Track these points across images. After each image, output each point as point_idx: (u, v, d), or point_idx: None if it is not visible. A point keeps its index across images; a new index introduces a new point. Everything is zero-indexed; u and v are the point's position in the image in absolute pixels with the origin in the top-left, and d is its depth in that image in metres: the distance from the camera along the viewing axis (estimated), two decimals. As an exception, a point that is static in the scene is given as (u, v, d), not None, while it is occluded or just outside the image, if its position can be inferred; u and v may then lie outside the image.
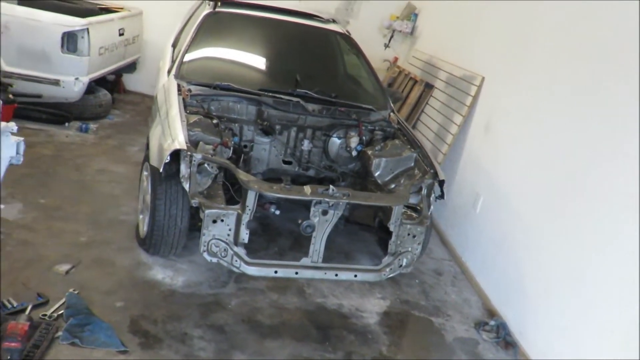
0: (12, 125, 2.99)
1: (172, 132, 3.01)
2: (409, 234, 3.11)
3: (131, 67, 6.29)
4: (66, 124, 5.08)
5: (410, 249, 3.14)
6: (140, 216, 3.40)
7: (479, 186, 4.03)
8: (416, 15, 6.45)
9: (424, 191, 3.28)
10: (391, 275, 3.13)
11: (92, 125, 5.16)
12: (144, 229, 3.27)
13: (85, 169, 4.30)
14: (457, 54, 5.02)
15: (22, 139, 3.10)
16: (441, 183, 3.30)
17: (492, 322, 3.37)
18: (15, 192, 3.65)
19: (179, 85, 3.54)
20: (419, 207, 3.28)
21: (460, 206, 4.28)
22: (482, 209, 3.94)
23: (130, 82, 6.76)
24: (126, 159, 4.69)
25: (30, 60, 4.73)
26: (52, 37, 4.68)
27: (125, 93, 6.67)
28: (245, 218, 2.78)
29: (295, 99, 3.68)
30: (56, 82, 4.80)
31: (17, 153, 3.10)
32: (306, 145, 3.74)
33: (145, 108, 6.12)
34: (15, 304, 2.60)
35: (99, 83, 5.59)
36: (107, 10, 5.57)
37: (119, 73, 6.31)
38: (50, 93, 4.86)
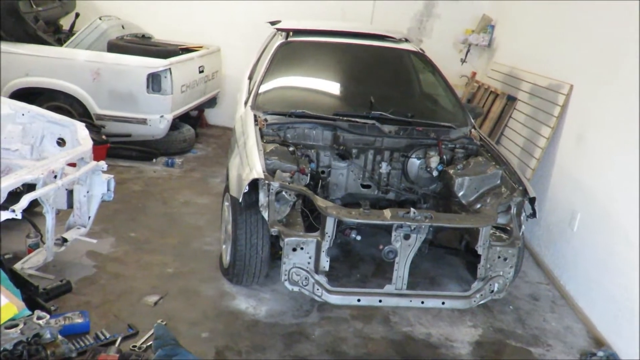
0: (103, 164, 3.17)
1: (249, 161, 3.04)
2: (499, 257, 2.91)
3: (212, 102, 6.52)
4: (154, 160, 5.33)
5: (501, 273, 2.93)
6: (223, 246, 3.44)
7: (574, 202, 3.73)
8: (492, 26, 6.22)
9: (514, 210, 3.07)
10: (482, 302, 2.93)
11: (178, 160, 5.37)
12: (226, 258, 3.30)
13: (172, 202, 4.46)
14: (540, 62, 4.75)
15: (111, 176, 3.28)
16: (532, 200, 3.07)
17: (600, 353, 3.05)
18: (109, 227, 3.84)
19: (255, 116, 3.59)
20: (508, 228, 3.06)
21: (554, 224, 3.97)
22: (580, 226, 3.63)
23: (212, 116, 7.02)
24: (209, 190, 4.82)
25: (120, 102, 5.03)
26: (138, 79, 4.95)
27: (207, 127, 6.92)
28: (325, 245, 2.72)
29: (370, 122, 3.61)
30: (143, 121, 5.06)
31: (108, 190, 3.28)
32: (384, 167, 3.64)
33: (226, 141, 6.29)
34: (107, 336, 2.68)
35: (182, 119, 5.85)
36: (187, 50, 5.83)
37: (201, 108, 6.57)
38: (139, 131, 5.13)
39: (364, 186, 3.70)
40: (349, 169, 3.64)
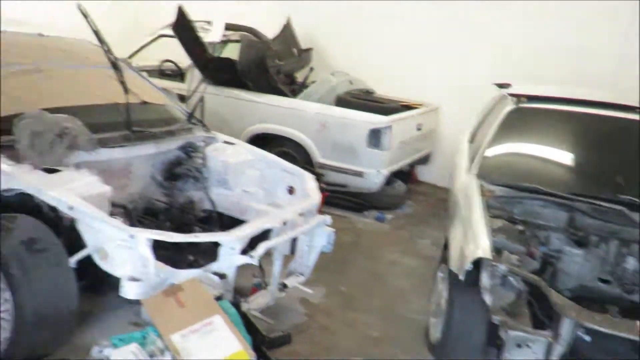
0: (327, 218, 3.27)
1: (474, 237, 2.85)
2: None
3: (424, 159, 6.48)
4: (365, 212, 5.43)
5: None
6: (432, 319, 3.27)
7: None
8: None
9: None
10: None
11: (388, 215, 5.39)
12: (435, 334, 3.12)
13: (379, 259, 4.45)
14: None
15: (333, 230, 3.36)
16: None
17: None
18: (320, 276, 3.94)
19: (480, 185, 3.40)
20: None
21: None
22: None
23: (423, 172, 6.96)
24: (417, 251, 4.71)
25: (341, 154, 5.26)
26: (361, 134, 5.13)
27: (417, 183, 6.88)
28: (558, 350, 2.38)
29: (617, 207, 3.15)
30: (360, 174, 5.21)
31: (328, 242, 3.38)
32: (631, 263, 3.12)
33: (436, 200, 6.17)
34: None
35: (394, 174, 5.89)
36: (408, 107, 5.91)
37: (412, 164, 6.56)
38: (354, 183, 5.29)
39: (601, 280, 3.21)
40: (585, 257, 3.20)
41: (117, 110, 3.25)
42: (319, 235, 3.30)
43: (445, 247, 3.29)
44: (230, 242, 2.49)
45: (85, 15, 2.88)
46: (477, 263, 2.68)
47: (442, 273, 3.17)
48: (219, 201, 3.64)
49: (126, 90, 3.01)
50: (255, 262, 2.51)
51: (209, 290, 2.38)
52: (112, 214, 2.69)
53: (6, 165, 2.46)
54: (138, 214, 3.29)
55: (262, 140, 5.46)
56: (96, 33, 2.96)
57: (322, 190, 4.87)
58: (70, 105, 3.02)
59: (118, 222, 2.31)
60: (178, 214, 3.49)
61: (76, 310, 2.39)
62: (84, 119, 2.86)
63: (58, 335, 2.37)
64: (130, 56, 5.99)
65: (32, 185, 2.38)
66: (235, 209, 3.62)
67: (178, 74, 6.22)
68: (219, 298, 2.43)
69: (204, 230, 3.39)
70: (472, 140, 4.48)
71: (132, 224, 2.93)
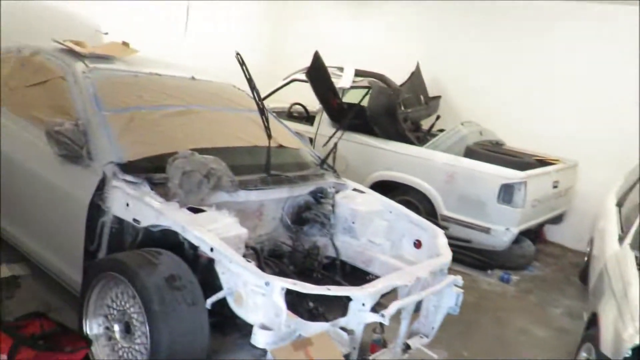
0: (458, 279, 3.08)
1: (633, 318, 2.51)
2: None
3: (557, 218, 6.00)
4: (488, 271, 5.11)
5: None
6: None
7: None
8: None
9: None
10: None
11: (514, 276, 5.02)
12: None
13: (506, 325, 4.12)
14: None
15: (462, 291, 3.16)
16: None
17: None
18: (442, 338, 3.70)
19: (636, 258, 3.03)
20: None
21: None
22: None
23: (552, 232, 6.46)
24: (548, 321, 4.30)
25: (467, 207, 5.02)
26: (491, 188, 4.87)
27: (545, 243, 6.39)
28: None
29: None
30: (487, 230, 4.92)
31: (456, 304, 3.17)
32: None
33: (567, 264, 5.67)
34: None
35: (522, 232, 5.50)
36: (542, 162, 5.54)
37: (542, 223, 6.11)
38: (479, 239, 5.00)
39: None
40: None
41: (257, 153, 3.36)
42: (447, 295, 3.10)
43: (590, 323, 2.95)
44: (361, 298, 2.40)
45: (241, 64, 3.03)
46: (638, 349, 2.35)
47: (588, 354, 2.83)
48: (343, 249, 3.58)
49: (269, 135, 3.09)
50: (386, 321, 2.39)
51: (338, 346, 2.30)
52: (244, 256, 2.74)
53: (157, 202, 2.60)
54: (264, 256, 3.33)
55: (385, 188, 5.38)
56: (249, 81, 3.10)
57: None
58: (214, 146, 3.15)
59: (255, 268, 2.32)
60: (302, 259, 3.48)
61: (207, 350, 2.42)
62: (226, 160, 2.97)
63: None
64: (264, 98, 6.27)
65: (179, 223, 2.48)
66: (359, 259, 3.55)
67: (305, 117, 6.40)
68: (346, 356, 2.33)
69: (327, 277, 3.34)
70: (620, 203, 4.07)
71: (261, 267, 2.97)
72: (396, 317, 2.62)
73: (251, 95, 3.20)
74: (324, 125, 5.90)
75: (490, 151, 5.49)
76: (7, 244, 3.55)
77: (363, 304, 2.42)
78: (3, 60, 3.75)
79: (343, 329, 2.46)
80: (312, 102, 6.48)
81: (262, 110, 3.10)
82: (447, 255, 3.15)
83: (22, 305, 3.13)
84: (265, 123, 3.09)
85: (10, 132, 3.35)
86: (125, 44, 3.80)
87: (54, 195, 2.97)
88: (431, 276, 2.94)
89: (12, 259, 3.58)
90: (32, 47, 3.66)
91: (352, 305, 2.42)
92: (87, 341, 2.56)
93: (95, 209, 2.76)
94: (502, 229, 4.86)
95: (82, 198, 2.76)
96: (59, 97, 3.20)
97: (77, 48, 3.45)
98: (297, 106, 6.57)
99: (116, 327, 2.56)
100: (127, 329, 2.50)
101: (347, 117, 3.96)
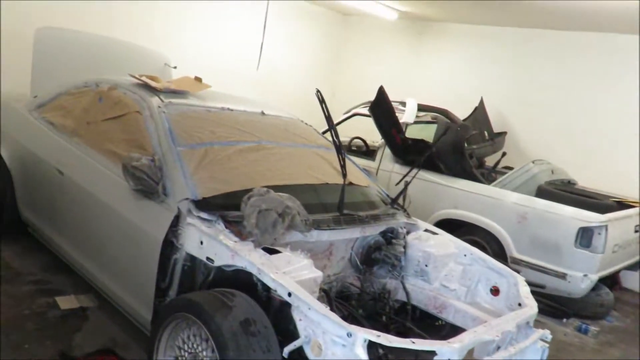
0: (547, 334, 2.84)
1: None
2: None
3: (635, 264, 5.59)
4: (564, 320, 4.77)
5: None
6: None
7: None
8: None
9: None
10: None
11: (592, 327, 4.66)
12: None
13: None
14: None
15: (547, 345, 2.92)
16: None
17: None
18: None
19: None
20: None
21: None
22: None
23: (630, 279, 6.03)
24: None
25: (541, 251, 4.74)
26: (568, 231, 4.58)
27: (621, 291, 5.96)
28: None
29: None
30: (562, 276, 4.61)
31: (541, 359, 2.92)
32: None
33: (649, 314, 5.25)
34: None
35: (599, 279, 5.14)
36: (622, 204, 5.20)
37: (620, 270, 5.71)
38: (554, 285, 4.70)
39: None
40: None
41: (328, 190, 3.26)
42: (531, 351, 2.86)
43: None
44: (448, 353, 2.22)
45: (321, 101, 2.97)
46: None
47: None
48: (415, 293, 3.41)
49: (345, 175, 2.99)
50: (475, 381, 2.20)
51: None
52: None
53: (232, 242, 2.52)
54: (333, 298, 3.19)
55: (449, 226, 5.17)
56: (328, 119, 3.03)
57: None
58: (286, 183, 3.08)
59: (336, 317, 2.19)
60: (371, 302, 3.32)
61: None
62: (298, 198, 2.88)
63: None
64: (324, 132, 6.23)
65: (255, 264, 2.39)
66: (431, 304, 3.36)
67: (365, 151, 6.29)
68: (432, 417, 2.15)
69: (397, 322, 3.17)
70: None
71: (332, 310, 2.83)
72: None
73: (318, 131, 3.12)
74: (385, 161, 5.77)
75: (564, 191, 5.20)
76: (76, 274, 3.57)
77: (449, 360, 2.23)
78: (81, 93, 3.84)
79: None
80: (370, 136, 6.41)
81: (339, 149, 3.00)
82: (532, 306, 2.93)
83: (89, 338, 3.11)
84: (342, 162, 2.99)
85: (87, 165, 3.39)
86: (197, 78, 3.82)
87: (127, 230, 2.95)
88: (517, 330, 2.73)
89: (80, 290, 3.59)
90: (109, 81, 3.74)
91: (437, 360, 2.24)
92: (157, 383, 2.47)
93: (168, 245, 2.72)
94: (579, 275, 4.54)
95: (156, 234, 2.72)
96: (135, 132, 3.22)
97: (152, 83, 3.49)
98: (357, 140, 6.49)
99: (188, 371, 2.47)
100: (199, 373, 2.41)
101: (423, 155, 3.85)
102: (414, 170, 3.77)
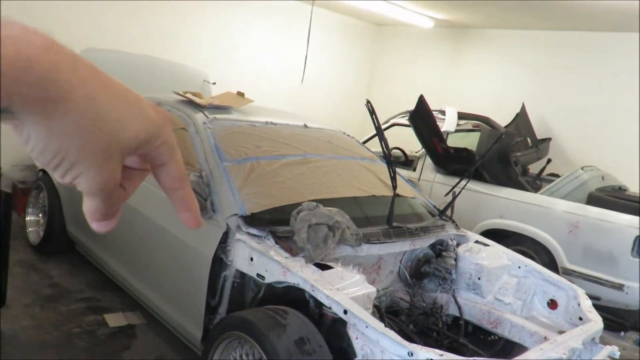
0: (615, 350, 2.69)
1: None
2: None
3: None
4: (621, 333, 4.55)
5: None
6: None
7: None
8: None
9: None
10: None
11: (655, 341, 4.44)
12: None
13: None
14: None
15: (613, 362, 2.76)
16: None
17: None
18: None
19: None
20: None
21: None
22: None
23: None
24: None
25: (595, 261, 4.55)
26: (624, 240, 4.38)
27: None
28: None
29: None
30: (619, 287, 4.41)
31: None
32: None
33: None
34: None
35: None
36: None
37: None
38: (610, 297, 4.49)
39: None
40: None
41: (375, 203, 3.19)
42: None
43: None
44: (515, 373, 2.11)
45: (371, 112, 2.92)
46: None
47: None
48: (467, 307, 3.29)
49: (395, 187, 2.91)
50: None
51: None
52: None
53: (283, 258, 2.47)
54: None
55: (495, 237, 5.01)
56: (378, 129, 2.97)
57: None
58: (333, 196, 3.03)
59: (396, 336, 2.10)
60: (421, 317, 3.22)
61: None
62: (346, 211, 2.82)
63: None
64: (364, 142, 6.16)
65: (308, 281, 2.33)
66: (485, 319, 3.23)
67: (404, 162, 6.19)
68: None
69: (450, 338, 3.06)
70: None
71: (385, 326, 2.75)
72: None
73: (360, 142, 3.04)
74: (427, 171, 5.66)
75: (617, 198, 4.99)
76: (124, 292, 3.58)
77: (514, 380, 2.12)
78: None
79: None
80: (407, 146, 6.31)
81: (389, 161, 2.93)
82: (597, 321, 2.77)
83: (138, 356, 3.10)
84: (392, 174, 2.91)
85: (134, 183, 3.40)
86: (240, 93, 3.82)
87: (176, 247, 2.94)
88: (583, 346, 2.59)
89: (128, 307, 3.60)
90: (153, 98, 3.76)
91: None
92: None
93: (218, 262, 2.68)
94: (637, 285, 4.33)
95: (205, 251, 2.69)
96: (181, 148, 3.20)
97: (196, 99, 3.50)
98: (396, 151, 6.39)
99: (241, 391, 2.42)
100: (252, 393, 2.35)
101: (473, 165, 3.74)
102: (464, 181, 3.65)
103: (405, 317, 3.23)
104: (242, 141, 3.25)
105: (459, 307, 3.27)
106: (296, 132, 3.62)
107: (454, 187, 3.58)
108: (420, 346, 2.05)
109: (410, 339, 2.92)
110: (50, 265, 4.14)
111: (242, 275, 2.66)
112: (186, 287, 2.85)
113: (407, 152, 6.38)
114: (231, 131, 3.31)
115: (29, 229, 4.46)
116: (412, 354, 2.02)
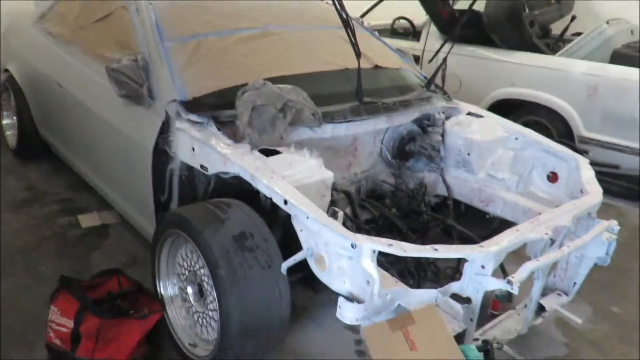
0: (614, 225, 2.38)
1: None
2: None
3: None
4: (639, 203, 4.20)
5: None
6: None
7: None
8: None
9: None
10: None
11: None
12: None
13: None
14: None
15: (614, 237, 2.46)
16: None
17: None
18: (583, 290, 3.02)
19: None
20: None
21: None
22: None
23: None
24: None
25: (614, 126, 4.10)
26: (646, 100, 3.88)
27: None
28: None
29: None
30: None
31: (607, 254, 2.48)
32: None
33: None
34: None
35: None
36: None
37: None
38: (630, 164, 4.09)
39: None
40: None
41: (346, 77, 2.79)
42: (594, 244, 2.40)
43: None
44: (480, 259, 1.84)
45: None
46: None
47: None
48: (457, 186, 2.99)
49: (358, 53, 2.47)
50: (515, 290, 1.81)
51: (447, 324, 1.79)
52: (332, 202, 2.27)
53: (224, 145, 2.18)
54: (362, 198, 2.84)
55: (507, 108, 4.58)
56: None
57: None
58: (295, 73, 2.65)
59: (338, 226, 1.83)
60: (406, 199, 2.95)
61: (288, 319, 2.04)
62: (310, 88, 2.45)
63: (266, 346, 2.05)
64: (362, 15, 5.57)
65: (247, 170, 2.05)
66: (476, 197, 2.94)
67: (411, 33, 5.60)
68: (460, 335, 1.82)
69: (437, 220, 2.79)
70: None
71: (355, 214, 2.50)
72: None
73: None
74: (431, 40, 5.11)
75: (645, 54, 4.38)
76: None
77: (482, 267, 1.85)
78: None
79: (456, 297, 1.93)
80: (419, 17, 5.67)
81: (344, 22, 2.47)
82: (596, 193, 2.43)
83: (107, 256, 2.99)
84: (352, 38, 2.47)
85: (81, 74, 3.09)
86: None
87: (119, 140, 2.69)
88: (575, 223, 2.28)
89: (104, 206, 3.46)
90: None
91: (467, 268, 1.87)
92: (162, 303, 2.30)
93: (162, 155, 2.42)
94: (661, 150, 3.90)
95: (145, 143, 2.43)
96: (121, 30, 2.85)
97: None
98: (402, 21, 5.77)
99: (189, 289, 2.26)
100: (201, 292, 2.19)
101: (458, 25, 3.19)
102: (453, 45, 3.17)
103: (389, 200, 2.97)
104: (190, 17, 2.85)
105: (447, 187, 2.98)
106: (259, 2, 3.16)
107: (437, 52, 3.11)
108: (365, 236, 1.77)
109: (393, 224, 2.69)
110: (29, 169, 4.02)
111: (189, 167, 2.40)
112: (134, 183, 2.64)
113: (415, 22, 5.76)
114: (179, 7, 2.90)
115: (7, 133, 4.29)
116: (355, 246, 1.76)
